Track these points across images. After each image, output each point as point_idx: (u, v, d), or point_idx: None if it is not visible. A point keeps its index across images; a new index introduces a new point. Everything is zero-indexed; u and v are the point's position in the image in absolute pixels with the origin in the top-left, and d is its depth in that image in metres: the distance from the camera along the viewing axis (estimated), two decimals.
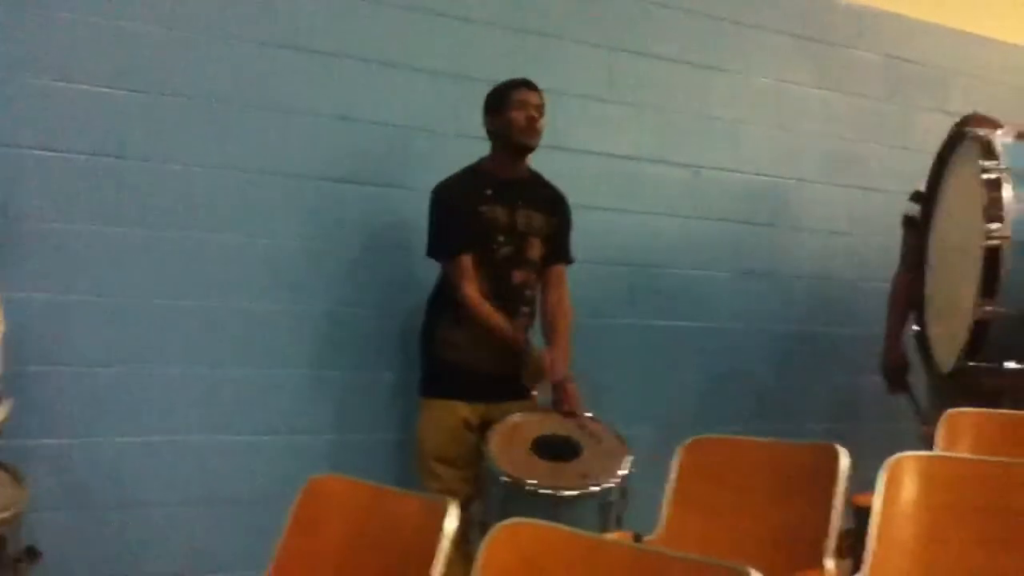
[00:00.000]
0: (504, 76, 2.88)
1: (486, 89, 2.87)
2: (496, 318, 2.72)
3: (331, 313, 3.04)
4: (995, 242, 2.55)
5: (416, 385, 2.89)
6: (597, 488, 2.34)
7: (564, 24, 3.46)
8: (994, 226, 2.55)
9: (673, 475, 2.14)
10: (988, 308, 2.57)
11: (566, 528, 1.36)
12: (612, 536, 2.11)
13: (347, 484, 1.74)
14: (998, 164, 2.61)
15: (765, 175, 3.86)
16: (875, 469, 1.75)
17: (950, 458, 1.98)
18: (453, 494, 2.52)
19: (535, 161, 2.94)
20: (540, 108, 2.80)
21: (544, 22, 3.42)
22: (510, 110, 2.76)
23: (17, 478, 2.07)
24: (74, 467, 2.70)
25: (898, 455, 1.76)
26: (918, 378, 3.26)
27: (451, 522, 1.43)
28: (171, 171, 2.83)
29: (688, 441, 2.18)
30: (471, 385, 2.75)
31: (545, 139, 2.84)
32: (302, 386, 2.99)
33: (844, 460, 1.92)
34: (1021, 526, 1.66)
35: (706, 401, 3.60)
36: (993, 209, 2.58)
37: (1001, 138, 2.70)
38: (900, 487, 1.73)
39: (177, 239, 2.83)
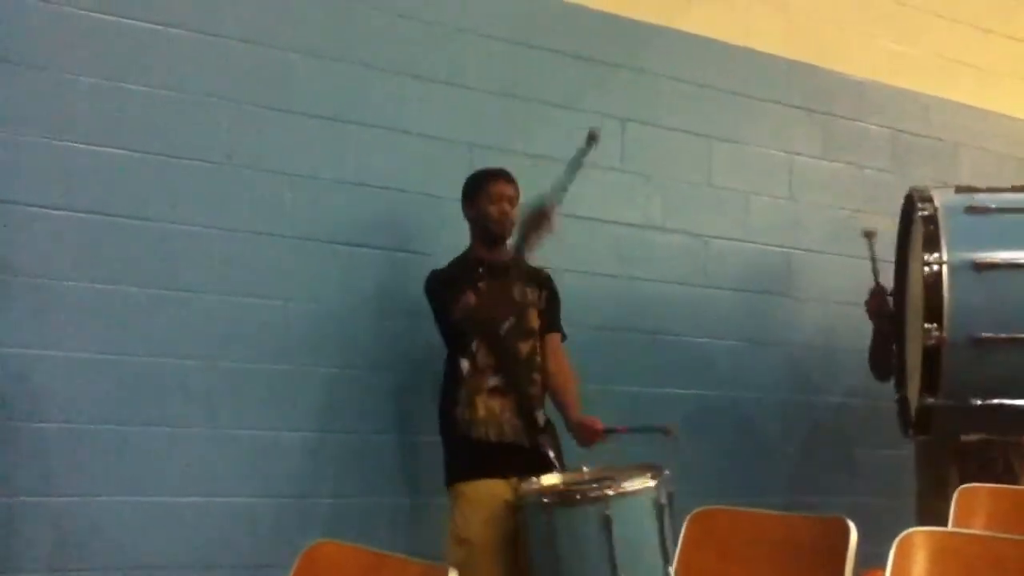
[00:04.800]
0: (517, 144, 2.94)
1: (499, 156, 2.91)
2: None
3: (335, 376, 3.03)
4: (933, 268, 2.64)
5: (419, 450, 2.86)
6: (640, 485, 2.24)
7: (575, 94, 3.52)
8: (932, 256, 2.65)
9: (679, 547, 2.11)
10: (935, 334, 2.61)
11: None
12: None
13: (346, 550, 1.72)
14: (934, 204, 2.75)
15: (773, 245, 3.88)
16: (885, 544, 1.72)
17: (962, 534, 1.95)
18: None
19: None
20: (513, 200, 2.85)
21: (555, 92, 3.48)
22: (484, 202, 2.83)
23: None
24: (70, 527, 2.66)
25: (909, 530, 1.73)
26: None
27: None
28: (179, 232, 2.86)
29: (695, 512, 2.14)
30: (502, 459, 2.69)
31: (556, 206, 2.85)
32: (303, 449, 2.97)
33: (853, 534, 1.89)
34: None
35: (712, 472, 3.56)
36: (929, 242, 2.68)
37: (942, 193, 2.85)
38: (911, 563, 1.70)
39: (185, 300, 2.85)
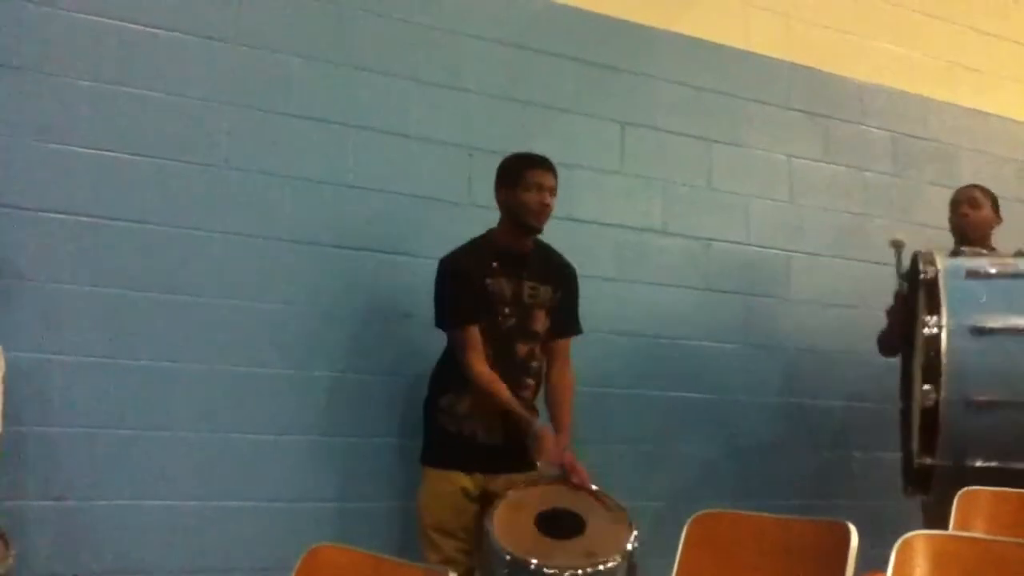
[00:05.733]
0: (516, 148, 2.91)
1: (497, 161, 2.90)
2: (504, 394, 2.68)
3: (336, 379, 3.03)
4: (933, 331, 2.67)
5: (418, 453, 2.87)
6: (602, 568, 2.28)
7: (575, 97, 3.53)
8: (931, 318, 2.68)
9: (680, 550, 2.10)
10: (932, 395, 2.65)
11: None
12: None
13: (346, 554, 1.71)
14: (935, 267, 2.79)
15: (773, 248, 3.88)
16: (887, 547, 1.72)
17: (963, 538, 1.94)
18: (452, 565, 2.51)
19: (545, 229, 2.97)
20: (554, 190, 2.75)
21: (555, 96, 3.48)
22: (523, 190, 2.72)
23: (5, 541, 2.04)
24: (71, 531, 2.67)
25: (910, 534, 1.72)
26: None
27: None
28: (181, 235, 2.86)
29: (696, 515, 2.14)
30: (471, 456, 2.72)
31: (555, 210, 2.85)
32: (305, 452, 2.97)
33: (854, 538, 1.88)
34: None
35: (713, 475, 3.55)
36: (931, 301, 2.70)
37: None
38: (911, 567, 1.69)
39: (186, 303, 2.85)
